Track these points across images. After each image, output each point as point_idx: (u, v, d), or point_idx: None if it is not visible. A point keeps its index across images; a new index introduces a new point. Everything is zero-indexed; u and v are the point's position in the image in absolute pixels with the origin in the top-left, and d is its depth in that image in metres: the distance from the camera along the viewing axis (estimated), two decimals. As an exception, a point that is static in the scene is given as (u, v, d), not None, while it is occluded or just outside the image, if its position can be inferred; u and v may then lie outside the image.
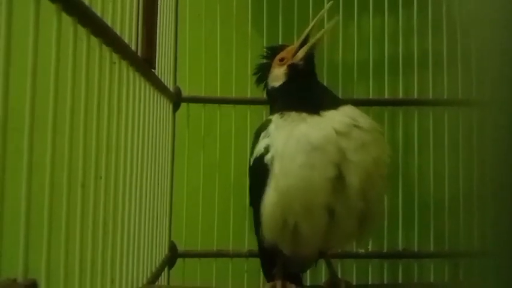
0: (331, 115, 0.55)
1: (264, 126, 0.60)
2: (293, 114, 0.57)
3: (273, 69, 0.66)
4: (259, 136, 0.60)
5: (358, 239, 0.61)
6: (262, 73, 0.68)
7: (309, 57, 0.64)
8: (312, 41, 0.64)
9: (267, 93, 0.68)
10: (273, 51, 0.68)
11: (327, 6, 0.69)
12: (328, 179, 0.52)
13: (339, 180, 0.52)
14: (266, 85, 0.68)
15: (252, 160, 0.60)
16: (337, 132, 0.53)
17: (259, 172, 0.56)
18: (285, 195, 0.53)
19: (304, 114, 0.56)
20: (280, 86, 0.65)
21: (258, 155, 0.57)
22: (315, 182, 0.52)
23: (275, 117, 0.59)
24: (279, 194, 0.53)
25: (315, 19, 0.65)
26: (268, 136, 0.58)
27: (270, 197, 0.54)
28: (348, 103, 0.59)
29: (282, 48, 0.68)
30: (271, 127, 0.58)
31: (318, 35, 0.64)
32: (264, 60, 0.69)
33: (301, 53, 0.64)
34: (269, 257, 0.63)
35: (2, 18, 0.30)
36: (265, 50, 0.70)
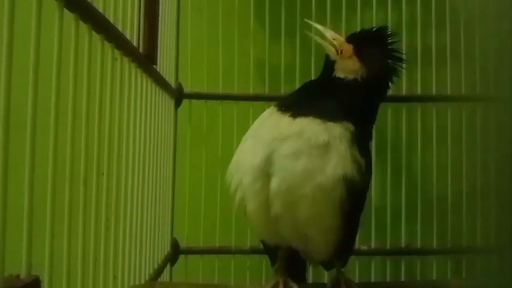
0: (298, 121, 0.55)
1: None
2: (275, 113, 0.58)
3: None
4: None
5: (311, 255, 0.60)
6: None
7: None
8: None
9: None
10: None
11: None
12: (254, 165, 0.55)
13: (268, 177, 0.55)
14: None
15: None
16: (278, 135, 0.55)
17: None
18: (230, 168, 0.59)
19: (280, 114, 0.57)
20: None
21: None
22: (245, 163, 0.56)
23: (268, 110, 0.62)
24: (232, 164, 0.59)
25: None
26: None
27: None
28: (329, 115, 0.55)
29: None
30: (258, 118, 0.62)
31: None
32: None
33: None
34: (272, 251, 0.63)
35: (4, 15, 0.30)
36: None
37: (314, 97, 0.59)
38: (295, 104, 0.58)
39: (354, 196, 0.53)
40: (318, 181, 0.52)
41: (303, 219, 0.54)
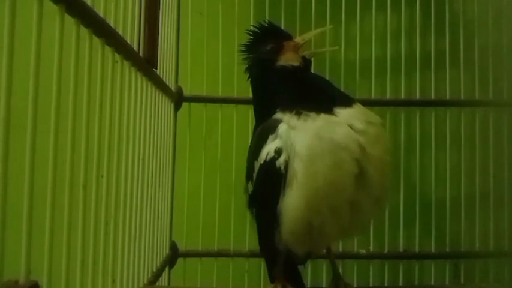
0: (347, 113, 0.57)
1: (271, 127, 0.57)
2: (312, 114, 0.55)
3: (286, 51, 0.65)
4: (267, 138, 0.57)
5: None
6: (271, 46, 0.66)
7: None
8: (318, 50, 0.70)
9: (275, 71, 0.64)
10: (283, 35, 0.67)
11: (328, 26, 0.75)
12: (353, 175, 0.54)
13: (360, 174, 0.55)
14: (268, 62, 0.64)
15: (258, 164, 0.57)
16: (355, 130, 0.55)
17: (271, 177, 0.55)
18: (314, 197, 0.52)
19: (322, 114, 0.56)
20: (297, 67, 0.64)
21: (268, 159, 0.55)
22: (342, 181, 0.53)
23: (287, 117, 0.56)
24: (306, 197, 0.52)
25: (321, 30, 0.71)
26: (279, 138, 0.55)
27: (294, 201, 0.53)
28: (354, 99, 0.61)
29: (289, 37, 0.67)
30: (282, 128, 0.56)
31: (322, 50, 0.72)
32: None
33: (310, 54, 0.67)
34: (273, 258, 0.63)
35: (5, 19, 0.30)
36: (268, 24, 0.68)
37: (335, 90, 0.64)
38: (330, 100, 0.59)
39: None
40: (390, 148, 0.60)
41: (385, 187, 0.58)
